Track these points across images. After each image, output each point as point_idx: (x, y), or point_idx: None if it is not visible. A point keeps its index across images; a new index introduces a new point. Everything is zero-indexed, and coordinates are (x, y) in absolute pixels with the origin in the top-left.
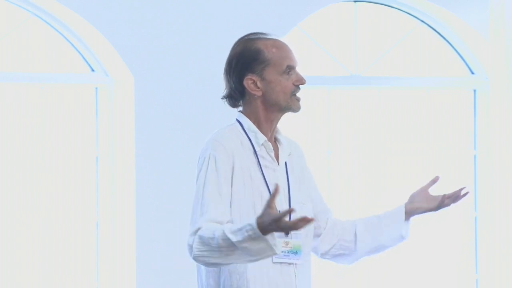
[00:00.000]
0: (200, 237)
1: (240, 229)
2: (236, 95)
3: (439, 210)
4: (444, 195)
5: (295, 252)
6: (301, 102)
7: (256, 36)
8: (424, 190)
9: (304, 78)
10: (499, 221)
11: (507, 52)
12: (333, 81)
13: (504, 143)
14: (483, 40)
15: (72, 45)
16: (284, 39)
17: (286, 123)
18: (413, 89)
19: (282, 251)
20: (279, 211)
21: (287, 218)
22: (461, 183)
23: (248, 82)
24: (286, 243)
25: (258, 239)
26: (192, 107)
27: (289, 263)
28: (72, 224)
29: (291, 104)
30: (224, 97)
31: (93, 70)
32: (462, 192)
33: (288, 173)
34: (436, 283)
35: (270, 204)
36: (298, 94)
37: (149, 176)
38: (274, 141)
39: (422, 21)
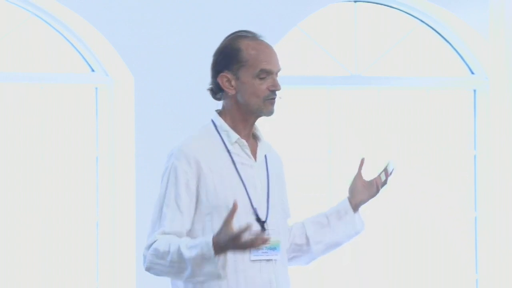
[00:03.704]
0: (155, 250)
1: (195, 246)
2: (214, 89)
3: (379, 193)
4: (375, 178)
5: (273, 248)
6: (275, 107)
7: (243, 35)
8: (359, 178)
9: (279, 84)
10: (499, 221)
11: (507, 52)
12: (333, 81)
13: (504, 143)
14: (483, 40)
15: (72, 45)
16: (284, 39)
17: (286, 123)
18: (413, 89)
19: (260, 248)
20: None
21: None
22: (461, 183)
23: (222, 79)
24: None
25: (209, 261)
26: (192, 107)
27: (268, 260)
28: (72, 224)
29: (263, 108)
30: (208, 89)
31: (93, 70)
32: (388, 167)
33: (268, 168)
34: (436, 283)
35: (227, 221)
36: (273, 99)
37: (149, 176)
38: (253, 138)
39: (422, 21)
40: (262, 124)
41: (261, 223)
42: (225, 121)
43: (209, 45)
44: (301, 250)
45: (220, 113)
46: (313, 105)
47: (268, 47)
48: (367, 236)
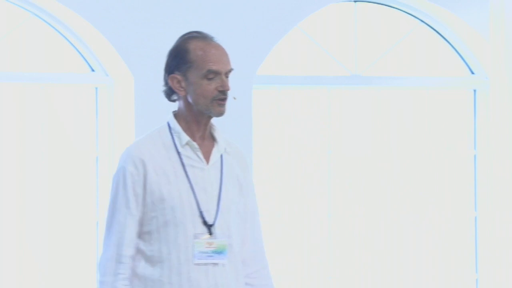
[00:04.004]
0: (107, 284)
1: None
2: (168, 90)
3: None
4: None
5: (219, 252)
6: (224, 108)
7: (193, 36)
8: None
9: (228, 85)
10: (499, 221)
11: (507, 52)
12: (333, 81)
13: (504, 143)
14: (483, 40)
15: (72, 45)
16: (284, 39)
17: (286, 123)
18: (413, 89)
19: (206, 252)
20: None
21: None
22: (461, 183)
23: (172, 80)
24: (210, 243)
25: None
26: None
27: (215, 264)
28: (72, 224)
29: (211, 109)
30: (163, 91)
31: (93, 70)
32: None
33: (223, 170)
34: (436, 283)
35: None
36: (221, 99)
37: None
38: (212, 139)
39: (422, 21)
40: (261, 124)
41: (208, 226)
42: (179, 122)
43: None
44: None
45: (176, 114)
46: (313, 105)
47: (216, 48)
48: (367, 236)
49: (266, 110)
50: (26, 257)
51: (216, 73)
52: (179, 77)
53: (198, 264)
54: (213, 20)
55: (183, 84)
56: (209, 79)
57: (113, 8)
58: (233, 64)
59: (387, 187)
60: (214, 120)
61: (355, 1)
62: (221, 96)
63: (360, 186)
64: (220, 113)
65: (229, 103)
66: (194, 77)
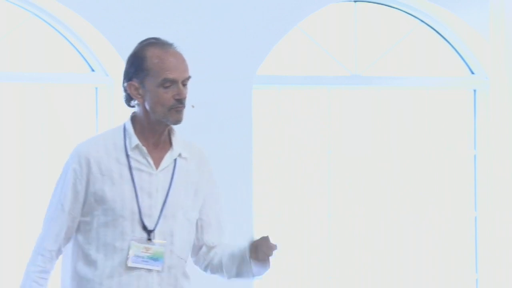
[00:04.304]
0: (26, 273)
1: None
2: (127, 96)
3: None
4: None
5: (155, 258)
6: (181, 116)
7: (151, 42)
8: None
9: (185, 93)
10: (499, 221)
11: (507, 52)
12: (333, 81)
13: (504, 143)
14: (483, 40)
15: (72, 45)
16: (284, 39)
17: (286, 123)
18: (413, 89)
19: (141, 257)
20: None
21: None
22: (461, 183)
23: (130, 87)
24: (147, 249)
25: None
26: (191, 107)
27: (149, 270)
28: None
29: (168, 117)
30: (123, 96)
31: (93, 70)
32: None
33: (174, 176)
34: (436, 283)
35: None
36: (178, 107)
37: None
38: (170, 145)
39: (422, 21)
40: (261, 124)
41: (148, 231)
42: (135, 125)
43: (209, 45)
44: (218, 272)
45: (133, 117)
46: (313, 105)
47: (174, 55)
48: (367, 236)
49: (266, 110)
50: (26, 257)
51: (173, 82)
52: (136, 84)
53: (131, 269)
54: (213, 20)
55: (140, 91)
56: (166, 87)
57: (113, 8)
58: (233, 64)
59: (387, 187)
60: (215, 121)
61: (355, 1)
62: (178, 104)
63: (360, 186)
64: (177, 121)
65: (229, 103)
66: (150, 85)
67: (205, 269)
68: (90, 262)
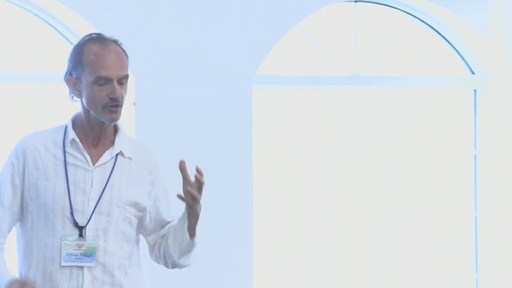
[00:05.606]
0: None
1: None
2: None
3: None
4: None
5: (88, 255)
6: (116, 115)
7: (92, 38)
8: (185, 185)
9: (119, 92)
10: (499, 221)
11: (507, 52)
12: (333, 81)
13: (504, 143)
14: (483, 40)
15: (72, 45)
16: (284, 39)
17: (286, 123)
18: (413, 89)
19: (74, 254)
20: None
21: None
22: (461, 183)
23: (69, 82)
24: (79, 246)
25: None
26: (192, 107)
27: (80, 267)
28: None
29: (103, 115)
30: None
31: None
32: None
33: (113, 174)
34: (436, 283)
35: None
36: (112, 106)
37: None
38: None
39: (422, 21)
40: (261, 124)
41: (80, 228)
42: (76, 122)
43: (209, 45)
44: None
45: (77, 114)
46: (313, 105)
47: (110, 53)
48: (367, 236)
49: (266, 110)
50: None
51: (107, 80)
52: (74, 79)
53: (63, 266)
54: (213, 20)
55: (77, 87)
56: (100, 85)
57: (113, 8)
58: (233, 64)
59: (387, 187)
60: (215, 121)
61: (355, 1)
62: (112, 103)
63: (360, 186)
64: (112, 120)
65: (230, 103)
66: (86, 81)
67: (162, 257)
68: (26, 256)
